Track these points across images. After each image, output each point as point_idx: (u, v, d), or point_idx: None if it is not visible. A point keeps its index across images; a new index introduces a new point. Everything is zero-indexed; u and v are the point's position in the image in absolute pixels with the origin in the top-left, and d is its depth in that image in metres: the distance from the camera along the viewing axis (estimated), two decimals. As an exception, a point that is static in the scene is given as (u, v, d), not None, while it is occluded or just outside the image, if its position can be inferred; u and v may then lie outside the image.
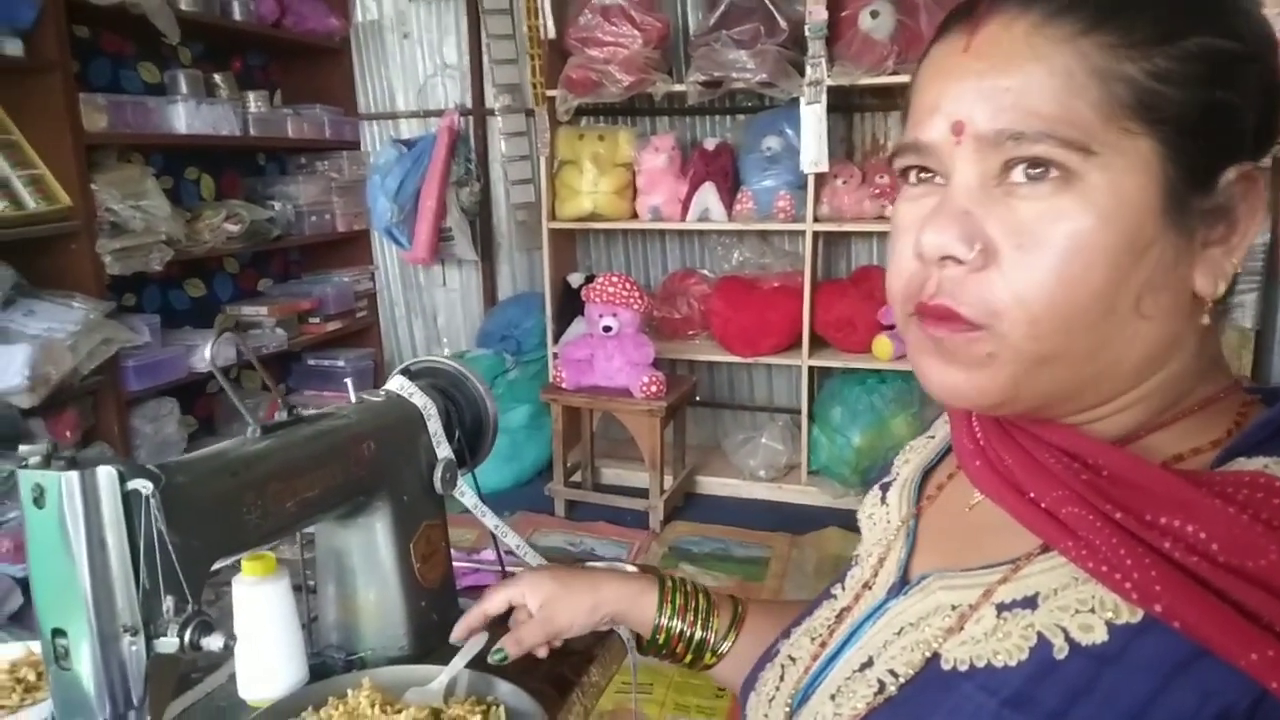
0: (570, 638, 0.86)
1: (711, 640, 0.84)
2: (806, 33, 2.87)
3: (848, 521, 3.05)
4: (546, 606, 0.85)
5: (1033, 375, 0.51)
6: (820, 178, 3.04)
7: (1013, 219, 0.49)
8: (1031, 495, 0.52)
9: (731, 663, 0.83)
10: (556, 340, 3.43)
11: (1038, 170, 0.48)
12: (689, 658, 0.84)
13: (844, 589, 0.68)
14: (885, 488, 0.72)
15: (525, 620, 0.85)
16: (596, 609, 0.84)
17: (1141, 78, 0.47)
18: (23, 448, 0.59)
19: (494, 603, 0.87)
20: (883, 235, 3.37)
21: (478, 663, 0.82)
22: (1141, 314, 0.49)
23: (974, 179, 0.50)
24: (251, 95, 3.37)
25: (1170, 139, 0.47)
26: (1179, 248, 0.49)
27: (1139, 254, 0.48)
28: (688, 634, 0.84)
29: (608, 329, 3.02)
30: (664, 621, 0.84)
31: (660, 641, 0.84)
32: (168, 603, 0.63)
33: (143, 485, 0.61)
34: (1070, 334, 0.49)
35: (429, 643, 0.91)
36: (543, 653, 0.85)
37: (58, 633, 0.61)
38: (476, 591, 1.05)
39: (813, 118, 2.92)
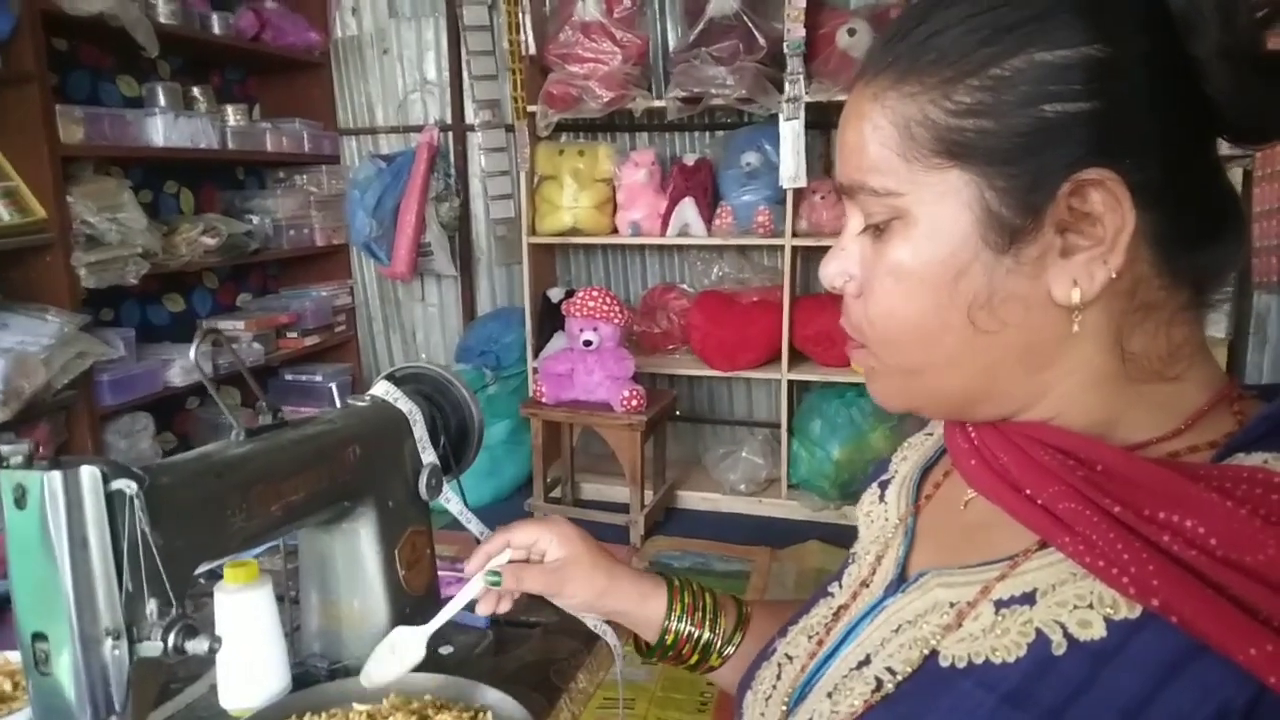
0: (561, 609, 0.82)
1: (718, 643, 0.82)
2: (785, 50, 2.90)
3: (828, 535, 3.05)
4: (564, 564, 0.82)
5: (914, 383, 0.57)
6: (799, 193, 3.06)
7: (868, 256, 0.56)
8: (1028, 492, 0.53)
9: (736, 665, 0.81)
10: (536, 355, 3.42)
11: (874, 215, 0.55)
12: (694, 659, 0.82)
13: (841, 587, 0.68)
14: (883, 485, 0.71)
15: (533, 564, 0.82)
16: (605, 595, 0.81)
17: (942, 117, 0.50)
18: (4, 447, 0.58)
19: (520, 535, 0.83)
20: (861, 250, 3.39)
21: (464, 669, 0.81)
22: (980, 328, 0.52)
23: (855, 222, 0.57)
24: (230, 109, 3.35)
25: (978, 167, 0.50)
26: (1012, 263, 0.51)
27: (956, 277, 0.52)
28: (695, 635, 0.81)
29: (588, 343, 3.02)
30: (673, 624, 0.81)
31: (668, 644, 0.82)
32: (151, 606, 0.62)
33: (127, 485, 0.60)
34: (919, 349, 0.55)
35: (414, 650, 0.90)
36: (506, 605, 0.81)
37: (38, 637, 0.60)
38: (461, 600, 1.04)
39: (791, 134, 2.94)
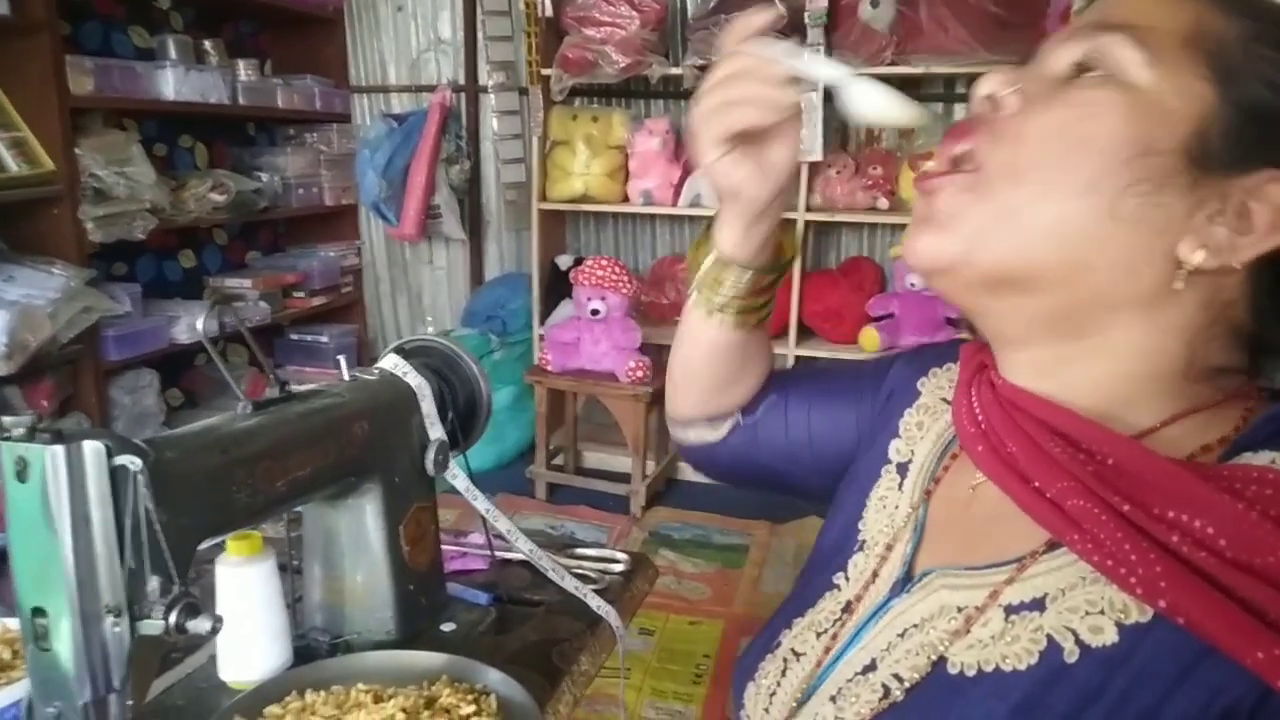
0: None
1: (749, 311, 0.72)
2: (806, 20, 2.85)
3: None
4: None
5: (990, 236, 0.52)
6: (814, 167, 3.03)
7: (1052, 84, 0.53)
8: (1037, 484, 0.52)
9: (725, 337, 0.74)
10: (543, 322, 3.40)
11: (1096, 62, 0.52)
12: (733, 305, 0.72)
13: (847, 579, 0.66)
14: (903, 471, 0.69)
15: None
16: (792, 168, 0.66)
17: (1235, 48, 0.50)
18: (5, 419, 0.57)
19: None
20: (874, 227, 3.36)
21: (466, 647, 0.81)
22: (1115, 214, 0.50)
23: (1062, 58, 0.54)
24: (241, 64, 3.31)
25: (1229, 103, 0.50)
26: (1180, 190, 0.50)
27: (1140, 153, 0.50)
28: (753, 297, 0.71)
29: (595, 312, 3.00)
30: (753, 273, 0.70)
31: (746, 281, 0.70)
32: (153, 583, 0.61)
33: (131, 461, 0.59)
34: (1040, 191, 0.51)
35: (416, 626, 0.90)
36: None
37: (37, 612, 0.59)
38: (465, 575, 1.04)
39: (809, 106, 2.90)
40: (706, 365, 0.77)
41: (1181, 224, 0.50)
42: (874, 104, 0.59)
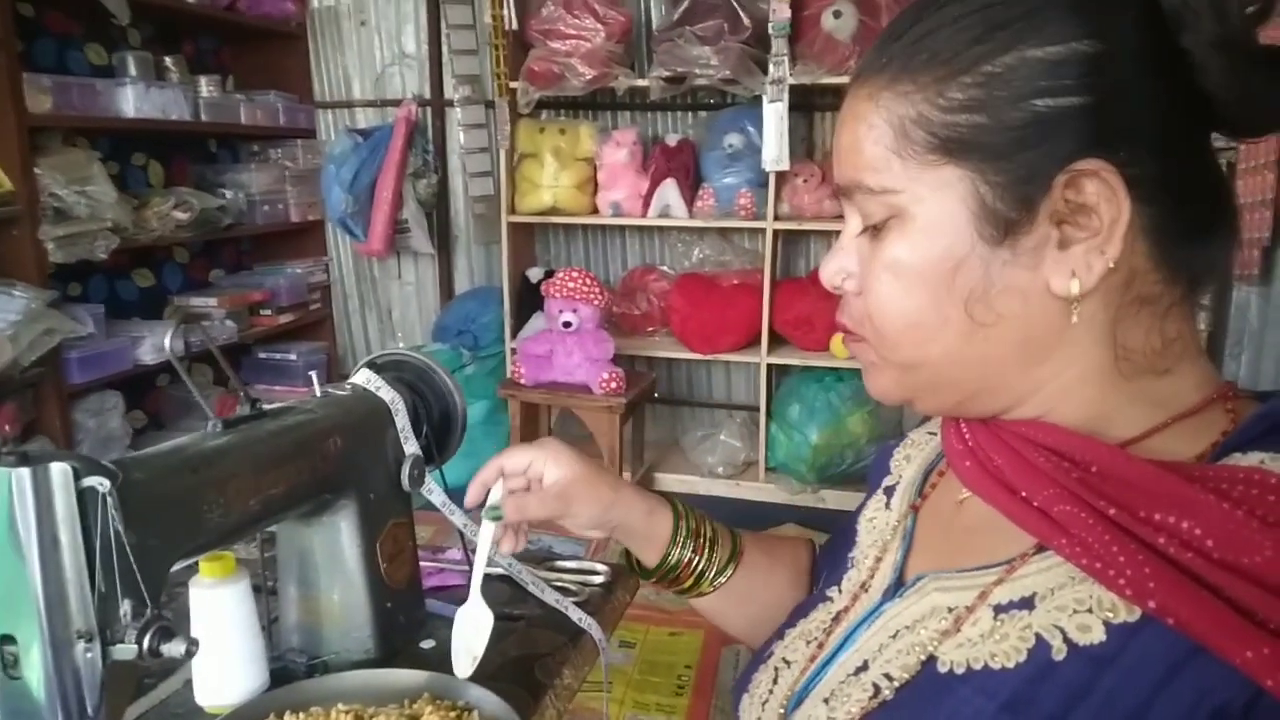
0: (566, 528, 0.80)
1: (711, 572, 0.81)
2: (770, 31, 2.87)
3: (805, 518, 3.06)
4: (566, 484, 0.78)
5: (912, 378, 0.57)
6: (781, 176, 3.04)
7: (866, 254, 0.56)
8: (1023, 494, 0.52)
9: (722, 596, 0.81)
10: (515, 335, 3.39)
11: (871, 214, 0.55)
12: (689, 584, 0.81)
13: (840, 591, 0.67)
14: (889, 492, 0.71)
15: (531, 490, 0.80)
16: (612, 507, 0.79)
17: (936, 114, 0.51)
18: (-31, 443, 0.56)
19: (513, 461, 0.80)
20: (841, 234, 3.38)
21: (448, 664, 0.80)
22: (978, 321, 0.52)
23: (853, 224, 0.58)
24: (203, 80, 3.28)
25: (972, 162, 0.51)
26: (1008, 259, 0.51)
27: (953, 271, 0.52)
28: (696, 562, 0.80)
29: (567, 324, 2.99)
30: (675, 549, 0.80)
31: (670, 566, 0.80)
32: (125, 606, 0.59)
33: (99, 483, 0.58)
34: (919, 343, 0.55)
35: (395, 645, 0.88)
36: (522, 541, 0.81)
37: (6, 639, 0.57)
38: (443, 591, 1.03)
39: (774, 116, 2.92)
40: (748, 614, 0.83)
41: (1037, 278, 0.51)
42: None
